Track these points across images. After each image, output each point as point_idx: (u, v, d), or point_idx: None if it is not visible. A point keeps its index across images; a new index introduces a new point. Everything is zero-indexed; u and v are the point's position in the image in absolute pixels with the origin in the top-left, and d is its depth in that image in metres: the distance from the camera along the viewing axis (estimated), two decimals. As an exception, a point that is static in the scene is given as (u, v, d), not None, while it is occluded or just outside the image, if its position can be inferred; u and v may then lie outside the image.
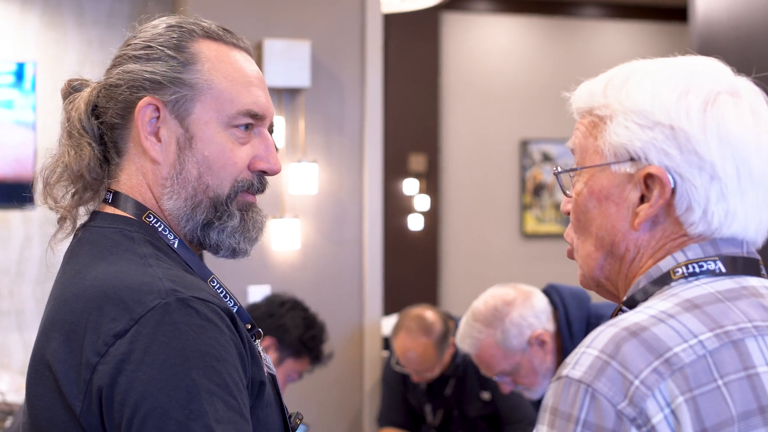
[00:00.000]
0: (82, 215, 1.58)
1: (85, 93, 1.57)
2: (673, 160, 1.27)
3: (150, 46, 1.54)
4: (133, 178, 1.54)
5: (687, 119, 1.27)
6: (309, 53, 4.70)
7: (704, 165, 1.26)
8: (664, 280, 1.29)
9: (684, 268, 1.29)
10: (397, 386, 4.46)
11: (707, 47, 5.50)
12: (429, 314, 4.20)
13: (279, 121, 4.71)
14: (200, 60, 1.54)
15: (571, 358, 1.22)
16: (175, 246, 1.52)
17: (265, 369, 1.50)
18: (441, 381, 4.26)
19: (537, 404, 3.40)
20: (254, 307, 3.62)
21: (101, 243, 1.48)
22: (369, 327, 4.93)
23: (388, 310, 5.99)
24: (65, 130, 1.56)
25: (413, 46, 8.49)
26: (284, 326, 3.52)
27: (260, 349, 1.54)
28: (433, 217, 8.64)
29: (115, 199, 1.54)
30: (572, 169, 1.39)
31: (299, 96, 4.79)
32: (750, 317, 1.23)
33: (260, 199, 1.61)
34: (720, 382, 1.17)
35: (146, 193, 1.53)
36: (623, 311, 1.32)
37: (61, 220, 1.56)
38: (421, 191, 8.59)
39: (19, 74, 5.02)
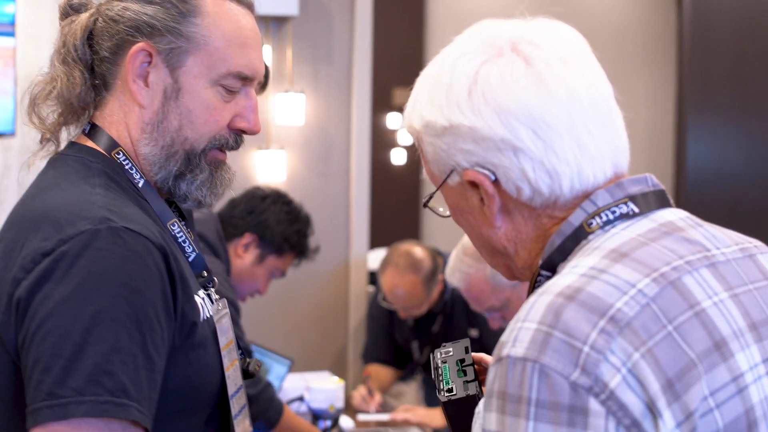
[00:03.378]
0: (64, 140, 1.61)
1: (83, 18, 1.57)
2: (476, 155, 1.25)
3: None
4: (115, 115, 1.56)
5: (460, 111, 1.24)
6: (298, -21, 4.58)
7: (500, 144, 1.23)
8: (579, 235, 1.23)
9: (598, 218, 1.23)
10: (384, 322, 4.42)
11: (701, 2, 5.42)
12: (418, 251, 4.14)
13: (266, 50, 4.60)
14: (201, 13, 1.54)
15: (507, 336, 1.12)
16: (140, 185, 1.54)
17: (203, 314, 1.51)
18: (428, 318, 4.21)
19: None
20: (233, 204, 3.48)
21: (61, 170, 1.52)
22: (355, 261, 4.88)
23: (371, 245, 5.95)
24: (60, 54, 1.57)
25: (400, -23, 8.35)
26: (265, 222, 3.40)
27: (215, 296, 1.58)
28: (416, 151, 8.53)
29: (92, 131, 1.57)
30: (430, 197, 1.38)
31: (287, 24, 4.68)
32: (679, 253, 1.18)
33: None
34: (670, 328, 1.10)
35: (123, 132, 1.56)
36: (542, 276, 1.26)
37: (44, 140, 1.59)
38: (404, 125, 8.50)
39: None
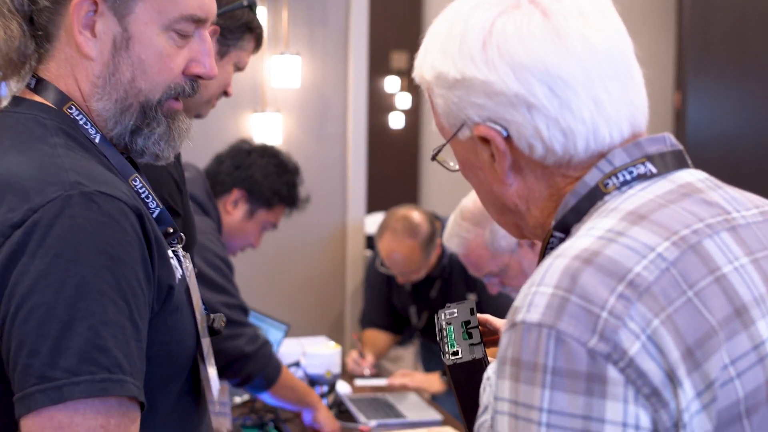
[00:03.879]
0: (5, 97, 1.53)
1: None
2: (489, 109, 1.20)
3: None
4: (61, 68, 1.47)
5: (473, 64, 1.20)
6: (293, -61, 4.51)
7: (513, 100, 1.18)
8: (595, 196, 1.19)
9: (614, 179, 1.18)
10: (382, 288, 4.39)
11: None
12: (415, 215, 4.10)
13: (261, 12, 4.53)
14: None
15: (521, 301, 1.09)
16: (97, 141, 1.46)
17: (177, 274, 1.45)
18: (426, 283, 4.18)
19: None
20: (220, 160, 3.45)
21: (14, 130, 1.43)
22: (352, 225, 4.84)
23: (369, 209, 5.92)
24: None
25: (397, -62, 8.26)
26: (253, 177, 3.36)
27: (181, 253, 1.52)
28: (414, 115, 8.52)
29: (38, 85, 1.48)
30: (438, 150, 1.33)
31: (282, -15, 4.61)
32: (699, 216, 1.14)
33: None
34: (690, 293, 1.06)
35: (72, 86, 1.47)
36: (555, 237, 1.21)
37: None
38: (402, 89, 8.46)
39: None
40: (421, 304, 4.26)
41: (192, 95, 1.53)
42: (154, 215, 1.48)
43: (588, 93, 1.18)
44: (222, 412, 2.93)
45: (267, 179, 3.37)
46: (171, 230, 1.51)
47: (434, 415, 3.55)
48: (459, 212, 3.13)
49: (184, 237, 1.56)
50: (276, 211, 3.44)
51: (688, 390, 1.03)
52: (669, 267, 1.07)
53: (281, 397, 3.13)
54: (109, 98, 1.46)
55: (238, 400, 3.70)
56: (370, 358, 4.14)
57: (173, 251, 1.49)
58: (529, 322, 1.06)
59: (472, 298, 4.03)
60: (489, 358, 1.44)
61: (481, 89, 1.19)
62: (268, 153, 3.46)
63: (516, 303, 1.10)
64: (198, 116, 2.31)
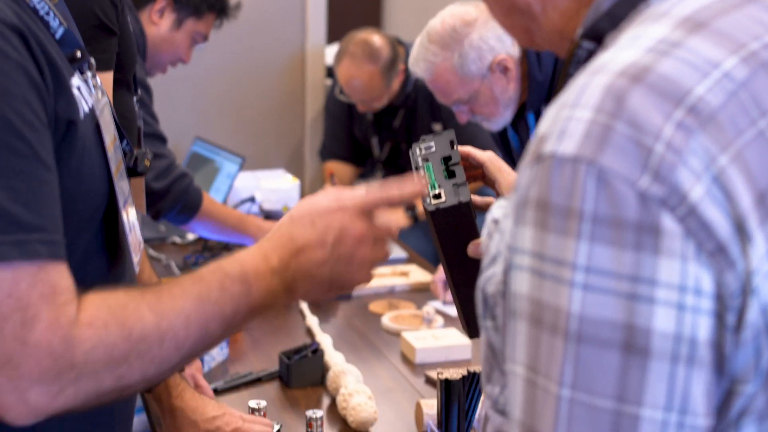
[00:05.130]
0: None
1: None
2: None
3: None
4: None
5: None
6: None
7: None
8: None
9: None
10: (342, 117, 4.20)
11: None
12: (375, 39, 3.87)
13: None
14: None
15: (549, 127, 0.87)
16: None
17: (82, 108, 1.20)
18: (389, 111, 3.99)
19: (495, 136, 3.14)
20: None
21: None
22: (311, 52, 4.63)
23: (330, 39, 5.70)
24: None
25: None
26: None
27: (92, 82, 1.27)
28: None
29: None
30: None
31: None
32: None
33: None
34: (763, 124, 0.85)
35: None
36: (583, 48, 0.97)
37: None
38: None
39: None
40: (383, 134, 4.08)
41: None
42: (57, 36, 1.23)
43: None
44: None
45: None
46: (79, 54, 1.25)
47: (398, 252, 3.42)
48: (426, 34, 2.90)
49: (94, 62, 1.31)
50: (206, 19, 3.20)
51: (759, 246, 0.82)
52: (738, 89, 0.85)
53: (213, 231, 3.02)
54: None
55: (190, 237, 3.54)
56: None
57: (84, 80, 1.25)
58: (561, 155, 0.83)
59: (437, 128, 3.85)
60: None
61: None
62: None
63: (541, 129, 0.87)
64: None
